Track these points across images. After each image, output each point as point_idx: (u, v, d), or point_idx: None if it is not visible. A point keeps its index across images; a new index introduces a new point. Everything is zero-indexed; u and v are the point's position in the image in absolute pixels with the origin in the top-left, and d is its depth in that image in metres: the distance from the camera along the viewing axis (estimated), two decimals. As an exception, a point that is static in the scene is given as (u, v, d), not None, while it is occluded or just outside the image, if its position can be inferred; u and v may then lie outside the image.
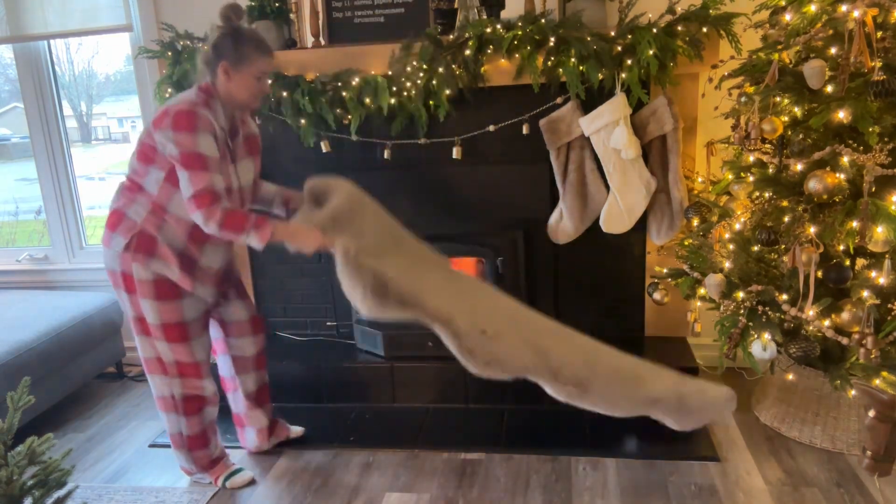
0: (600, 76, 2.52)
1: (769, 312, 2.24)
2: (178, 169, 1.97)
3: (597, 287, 2.95)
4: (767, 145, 2.30)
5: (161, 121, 1.98)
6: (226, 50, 2.03)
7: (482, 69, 2.63)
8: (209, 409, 2.30)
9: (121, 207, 2.14)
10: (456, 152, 2.79)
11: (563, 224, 2.81)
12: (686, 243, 2.66)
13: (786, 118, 2.22)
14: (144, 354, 2.24)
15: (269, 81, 2.76)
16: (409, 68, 2.64)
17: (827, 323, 2.12)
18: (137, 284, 2.12)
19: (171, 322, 2.14)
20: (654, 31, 2.46)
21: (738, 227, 2.35)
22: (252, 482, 2.37)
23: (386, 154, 2.85)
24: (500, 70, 2.64)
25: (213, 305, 2.29)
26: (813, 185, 2.03)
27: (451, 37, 2.62)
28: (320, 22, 2.81)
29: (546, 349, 1.90)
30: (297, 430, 2.63)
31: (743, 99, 2.32)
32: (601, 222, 2.76)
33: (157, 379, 2.25)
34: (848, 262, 2.13)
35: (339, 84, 2.72)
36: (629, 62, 2.50)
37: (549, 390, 1.90)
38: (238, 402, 2.47)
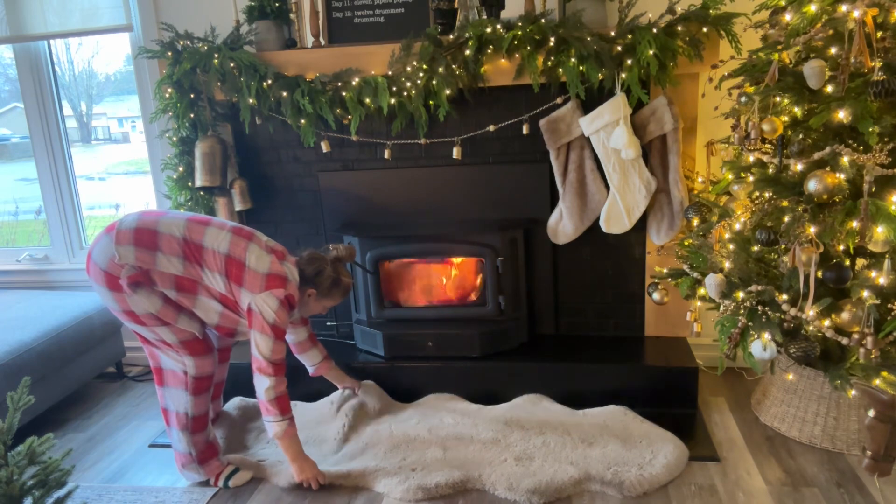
0: (600, 76, 2.52)
1: (769, 312, 2.24)
2: (263, 334, 2.16)
3: (597, 287, 2.95)
4: (767, 145, 2.30)
5: (277, 290, 2.17)
6: (321, 286, 2.34)
7: (482, 69, 2.63)
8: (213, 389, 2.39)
9: (157, 238, 2.18)
10: (456, 152, 2.79)
11: (562, 224, 2.81)
12: (686, 243, 2.66)
13: (786, 118, 2.23)
14: (147, 336, 2.27)
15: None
16: (409, 68, 2.65)
17: (827, 323, 2.12)
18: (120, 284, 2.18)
19: (157, 308, 2.20)
20: (654, 31, 2.46)
21: (738, 227, 2.35)
22: (252, 480, 2.37)
23: (386, 154, 2.85)
24: (500, 70, 2.64)
25: None
26: (813, 185, 2.03)
27: (451, 37, 2.62)
28: (320, 22, 2.81)
29: None
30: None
31: (743, 99, 2.32)
32: (601, 222, 2.76)
33: (167, 356, 2.28)
34: (848, 262, 2.13)
35: (339, 84, 2.72)
36: (629, 62, 2.50)
37: None
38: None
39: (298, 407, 2.84)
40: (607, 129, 2.62)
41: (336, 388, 2.82)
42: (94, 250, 2.18)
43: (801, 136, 2.17)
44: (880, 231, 1.96)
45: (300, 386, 2.89)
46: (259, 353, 2.18)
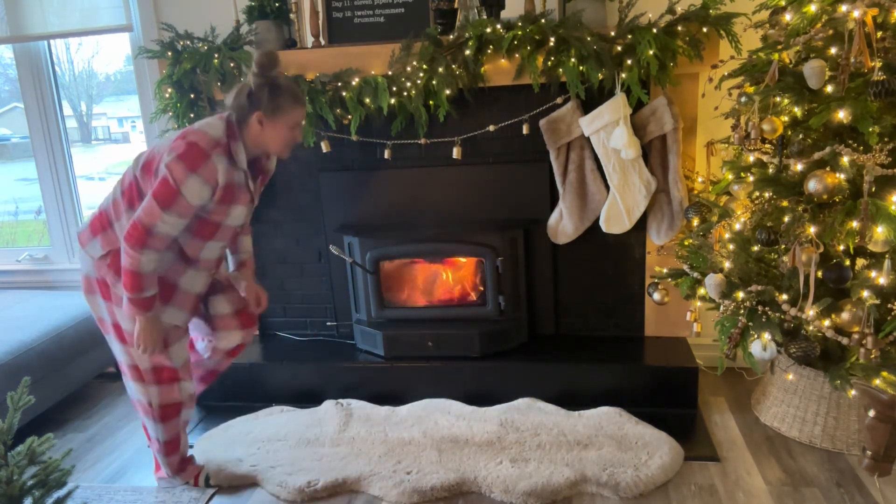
0: (600, 76, 2.52)
1: (769, 312, 2.24)
2: (150, 198, 1.91)
3: (597, 287, 2.95)
4: (767, 145, 2.30)
5: (177, 142, 1.92)
6: (262, 100, 1.97)
7: (482, 69, 2.63)
8: (185, 412, 2.27)
9: (108, 213, 2.09)
10: (456, 152, 2.79)
11: (562, 224, 2.81)
12: (686, 243, 2.66)
13: (786, 118, 2.23)
14: (120, 359, 2.21)
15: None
16: (409, 68, 2.65)
17: (827, 323, 2.12)
18: (113, 294, 2.09)
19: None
20: (654, 31, 2.46)
21: (738, 227, 2.35)
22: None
23: (386, 154, 2.85)
24: (500, 70, 2.64)
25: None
26: (813, 185, 2.03)
27: (451, 37, 2.62)
28: (320, 22, 2.81)
29: None
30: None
31: (743, 99, 2.32)
32: (601, 222, 2.76)
33: (133, 385, 2.21)
34: (848, 262, 2.13)
35: (339, 84, 2.72)
36: (629, 62, 2.50)
37: None
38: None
39: (291, 413, 2.83)
40: (607, 130, 2.62)
41: (328, 395, 2.85)
42: (81, 266, 2.15)
43: (801, 136, 2.17)
44: (880, 231, 1.96)
45: (289, 389, 2.89)
46: (137, 217, 1.91)
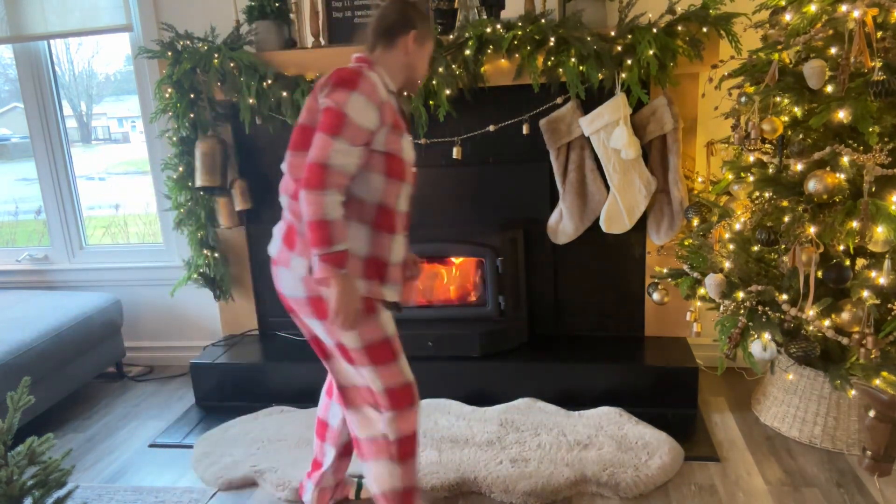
0: (600, 76, 2.52)
1: (769, 312, 2.24)
2: (317, 130, 1.67)
3: (597, 287, 2.95)
4: (767, 145, 2.30)
5: (325, 82, 1.72)
6: (417, 20, 1.81)
7: (482, 69, 2.63)
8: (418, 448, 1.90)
9: (291, 222, 1.80)
10: (456, 152, 2.79)
11: (563, 224, 2.81)
12: (686, 243, 2.66)
13: (786, 118, 2.23)
14: (349, 382, 1.88)
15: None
16: (409, 68, 2.64)
17: (827, 323, 2.12)
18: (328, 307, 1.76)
19: (375, 341, 1.78)
20: (654, 31, 2.46)
21: (738, 227, 2.35)
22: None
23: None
24: (500, 70, 2.64)
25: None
26: (813, 185, 2.03)
27: (451, 37, 2.62)
28: (320, 22, 2.81)
29: None
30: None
31: (743, 99, 2.32)
32: (601, 222, 2.76)
33: (367, 413, 1.84)
34: (848, 262, 2.13)
35: (339, 84, 2.71)
36: (629, 62, 2.50)
37: None
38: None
39: (291, 413, 2.83)
40: (607, 130, 2.62)
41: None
42: (284, 288, 1.82)
43: (801, 136, 2.17)
44: (880, 231, 1.96)
45: (289, 389, 2.89)
46: (311, 156, 1.65)
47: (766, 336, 2.22)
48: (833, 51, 2.06)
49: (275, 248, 1.83)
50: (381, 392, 1.80)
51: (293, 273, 1.77)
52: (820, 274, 2.11)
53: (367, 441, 1.85)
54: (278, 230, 1.85)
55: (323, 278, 1.66)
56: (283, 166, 1.82)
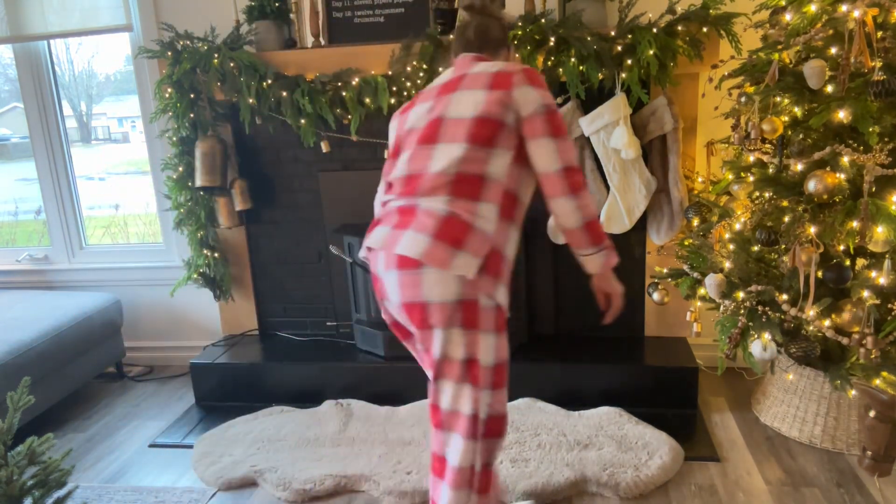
0: (600, 76, 2.52)
1: (769, 312, 2.24)
2: (539, 137, 1.57)
3: (597, 287, 2.95)
4: (767, 145, 2.30)
5: (508, 79, 1.59)
6: (502, 40, 1.80)
7: (482, 69, 2.62)
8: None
9: (458, 213, 1.56)
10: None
11: (563, 224, 2.81)
12: (686, 243, 2.66)
13: (786, 118, 2.23)
14: (456, 408, 1.61)
15: (270, 82, 2.77)
16: (409, 68, 2.65)
17: (827, 323, 2.12)
18: (482, 315, 1.57)
19: (504, 361, 1.63)
20: (654, 30, 2.46)
21: (738, 227, 2.35)
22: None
23: (386, 154, 2.85)
24: (500, 70, 2.64)
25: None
26: (813, 185, 2.03)
27: (451, 37, 2.62)
28: (320, 22, 2.81)
29: None
30: None
31: (743, 99, 2.32)
32: (601, 222, 2.76)
33: (463, 444, 1.60)
34: (848, 262, 2.13)
35: (339, 84, 2.72)
36: (629, 62, 2.50)
37: None
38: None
39: (291, 413, 2.83)
40: (607, 130, 2.62)
41: (328, 395, 2.84)
42: (425, 291, 1.56)
43: (801, 136, 2.17)
44: (880, 231, 1.96)
45: (289, 389, 2.89)
46: (555, 164, 1.56)
47: (766, 336, 2.22)
48: (833, 51, 2.06)
49: (415, 246, 1.54)
50: (484, 419, 1.61)
51: (452, 272, 1.53)
52: (820, 274, 2.11)
53: (454, 470, 1.64)
54: (419, 226, 1.57)
55: (607, 270, 1.73)
56: (445, 153, 1.61)
